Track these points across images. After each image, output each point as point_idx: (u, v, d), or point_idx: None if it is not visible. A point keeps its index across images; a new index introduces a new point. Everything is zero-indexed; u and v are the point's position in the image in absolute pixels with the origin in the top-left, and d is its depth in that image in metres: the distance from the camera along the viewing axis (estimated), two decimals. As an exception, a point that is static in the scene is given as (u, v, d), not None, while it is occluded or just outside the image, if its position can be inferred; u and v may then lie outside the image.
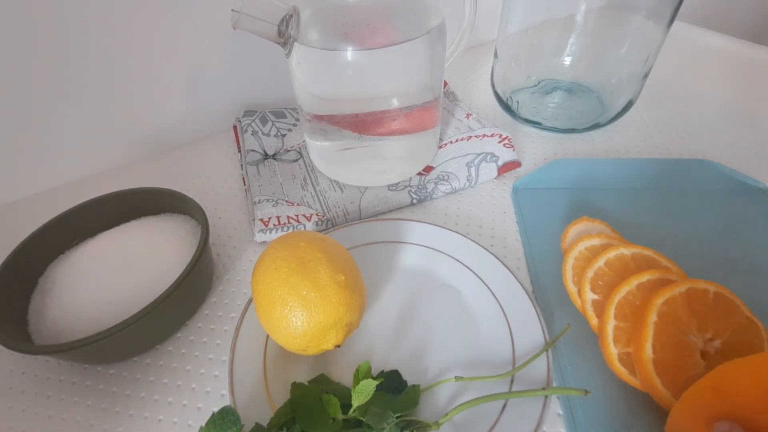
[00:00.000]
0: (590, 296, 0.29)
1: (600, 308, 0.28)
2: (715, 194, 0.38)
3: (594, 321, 0.28)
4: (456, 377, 0.26)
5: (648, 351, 0.25)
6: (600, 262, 0.29)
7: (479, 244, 0.33)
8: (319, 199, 0.39)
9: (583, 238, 0.32)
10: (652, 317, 0.25)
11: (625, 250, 0.30)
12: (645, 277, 0.27)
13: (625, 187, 0.39)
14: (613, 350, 0.26)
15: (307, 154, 0.44)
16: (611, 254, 0.29)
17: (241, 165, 0.44)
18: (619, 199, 0.38)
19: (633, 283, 0.27)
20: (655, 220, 0.36)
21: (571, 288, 0.30)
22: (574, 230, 0.34)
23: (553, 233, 0.35)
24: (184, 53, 0.44)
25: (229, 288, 0.34)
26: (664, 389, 0.24)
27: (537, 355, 0.26)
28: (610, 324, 0.27)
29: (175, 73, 0.44)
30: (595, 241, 0.31)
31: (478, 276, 0.32)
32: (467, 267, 0.33)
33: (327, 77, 0.34)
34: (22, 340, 0.28)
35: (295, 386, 0.26)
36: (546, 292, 0.32)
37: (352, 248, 0.34)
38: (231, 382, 0.26)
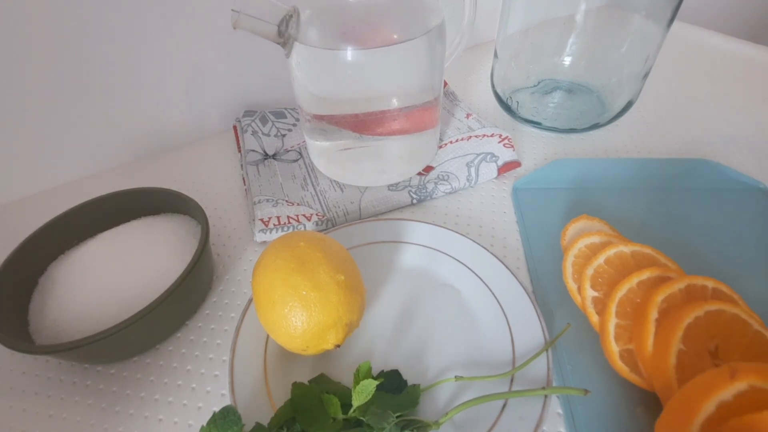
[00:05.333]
0: (590, 293, 0.29)
1: (600, 305, 0.28)
2: (714, 194, 0.38)
3: (594, 318, 0.28)
4: (456, 377, 0.26)
5: (650, 347, 0.25)
6: (600, 260, 0.29)
7: (479, 244, 0.33)
8: (319, 199, 0.40)
9: (583, 235, 0.32)
10: (653, 314, 0.25)
11: (625, 248, 0.30)
12: (645, 274, 0.28)
13: (624, 186, 0.39)
14: (614, 348, 0.26)
15: (307, 154, 0.44)
16: (611, 252, 0.29)
17: (241, 165, 0.44)
18: (618, 198, 0.38)
19: (633, 280, 0.27)
20: (655, 220, 0.36)
21: (571, 285, 0.30)
22: (573, 228, 0.34)
23: (552, 233, 0.35)
24: (184, 53, 0.44)
25: (229, 288, 0.34)
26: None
27: (537, 355, 0.26)
28: (612, 322, 0.27)
29: (175, 73, 0.45)
30: (595, 239, 0.31)
31: (478, 276, 0.32)
32: (467, 267, 0.33)
33: (327, 77, 0.34)
34: (23, 340, 0.28)
35: (296, 386, 0.26)
36: (546, 291, 0.32)
37: (352, 248, 0.34)
38: (231, 382, 0.26)
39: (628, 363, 0.26)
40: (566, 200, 0.38)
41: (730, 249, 0.34)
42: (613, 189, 0.39)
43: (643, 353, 0.25)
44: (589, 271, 0.29)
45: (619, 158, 0.43)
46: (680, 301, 0.26)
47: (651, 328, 0.25)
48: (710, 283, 0.26)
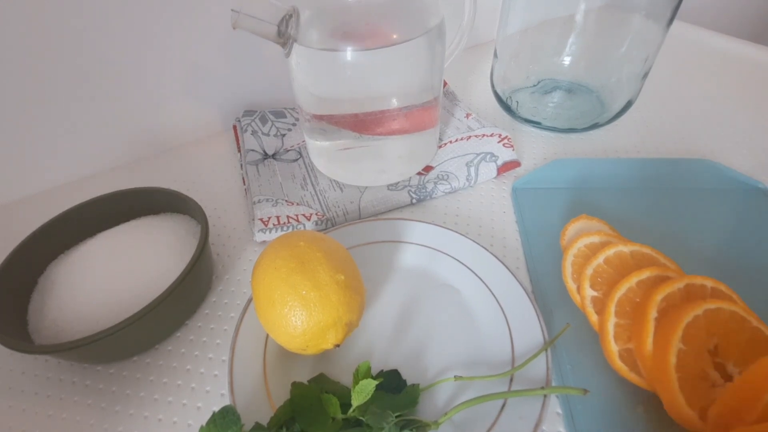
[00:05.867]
0: (589, 293, 0.29)
1: (599, 305, 0.28)
2: (714, 194, 0.38)
3: (593, 317, 0.28)
4: (455, 376, 0.26)
5: (649, 347, 0.25)
6: (599, 259, 0.29)
7: (479, 244, 0.33)
8: (318, 198, 0.40)
9: (583, 235, 0.32)
10: (653, 313, 0.25)
11: (624, 248, 0.30)
12: (644, 274, 0.28)
13: (624, 186, 0.39)
14: (613, 347, 0.26)
15: (307, 153, 0.44)
16: (610, 252, 0.29)
17: (241, 165, 0.44)
18: (618, 198, 0.38)
19: (633, 280, 0.27)
20: (655, 220, 0.36)
21: (571, 285, 0.30)
22: (572, 228, 0.34)
23: (552, 233, 0.35)
24: (184, 53, 0.44)
25: (229, 288, 0.34)
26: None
27: (536, 355, 0.26)
28: (611, 321, 0.27)
29: (175, 73, 0.45)
30: (595, 239, 0.31)
31: (477, 276, 0.32)
32: (467, 267, 0.33)
33: (326, 77, 0.34)
34: (22, 340, 0.28)
35: (295, 386, 0.26)
36: (545, 291, 0.32)
37: (351, 248, 0.34)
38: (231, 382, 0.26)
39: (627, 362, 0.26)
40: (566, 200, 0.38)
41: (729, 249, 0.34)
42: (613, 189, 0.39)
43: (642, 352, 0.25)
44: (589, 271, 0.29)
45: (619, 158, 0.43)
46: (679, 300, 0.26)
47: (650, 327, 0.25)
48: (709, 283, 0.26)
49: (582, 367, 0.27)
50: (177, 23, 0.42)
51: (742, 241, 0.34)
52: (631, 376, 0.26)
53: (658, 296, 0.26)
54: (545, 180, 0.40)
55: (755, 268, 0.32)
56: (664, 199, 0.38)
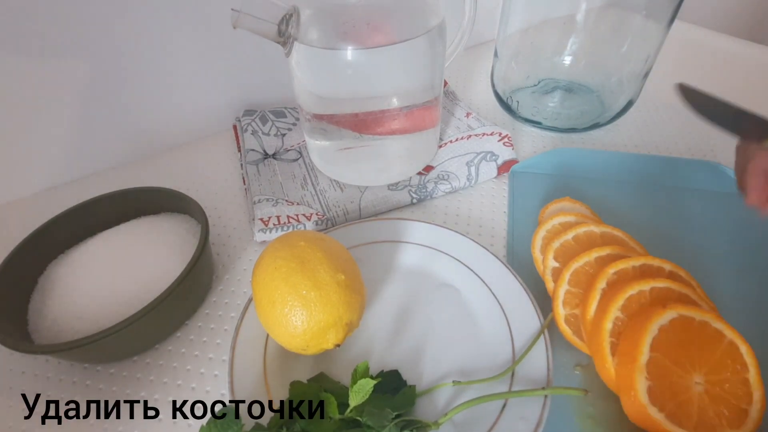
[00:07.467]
0: (552, 264, 0.30)
1: (558, 275, 0.29)
2: (714, 194, 0.38)
3: (550, 285, 0.30)
4: (454, 381, 0.26)
5: (592, 313, 0.26)
6: (568, 236, 0.30)
7: (479, 244, 0.33)
8: (319, 198, 0.39)
9: (559, 214, 0.32)
10: (601, 284, 0.26)
11: (595, 228, 0.30)
12: (606, 251, 0.28)
13: (622, 179, 0.39)
14: (561, 311, 0.28)
15: (307, 153, 0.44)
16: (581, 230, 0.30)
17: (241, 164, 0.44)
18: (618, 194, 0.38)
19: (592, 255, 0.28)
20: (652, 218, 0.36)
21: (537, 255, 0.32)
22: (554, 207, 0.35)
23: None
24: (184, 53, 0.44)
25: (229, 287, 0.34)
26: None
27: (533, 343, 0.27)
28: (563, 288, 0.28)
29: (175, 72, 0.44)
30: (570, 218, 0.32)
31: (477, 275, 0.32)
32: (467, 266, 0.32)
33: (327, 76, 0.34)
34: (22, 340, 0.28)
35: (294, 385, 0.26)
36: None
37: (352, 248, 0.34)
38: (231, 382, 0.26)
39: (571, 326, 0.27)
40: (560, 187, 0.39)
41: (729, 249, 0.34)
42: (612, 181, 0.39)
43: (585, 318, 0.26)
44: (556, 244, 0.30)
45: (622, 152, 0.43)
46: (632, 277, 0.26)
47: (596, 295, 0.26)
48: (668, 266, 0.27)
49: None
50: (177, 23, 0.42)
51: (741, 241, 0.34)
52: (574, 339, 0.27)
53: (611, 269, 0.27)
54: (542, 166, 0.41)
55: (755, 268, 0.32)
56: (661, 197, 0.38)
